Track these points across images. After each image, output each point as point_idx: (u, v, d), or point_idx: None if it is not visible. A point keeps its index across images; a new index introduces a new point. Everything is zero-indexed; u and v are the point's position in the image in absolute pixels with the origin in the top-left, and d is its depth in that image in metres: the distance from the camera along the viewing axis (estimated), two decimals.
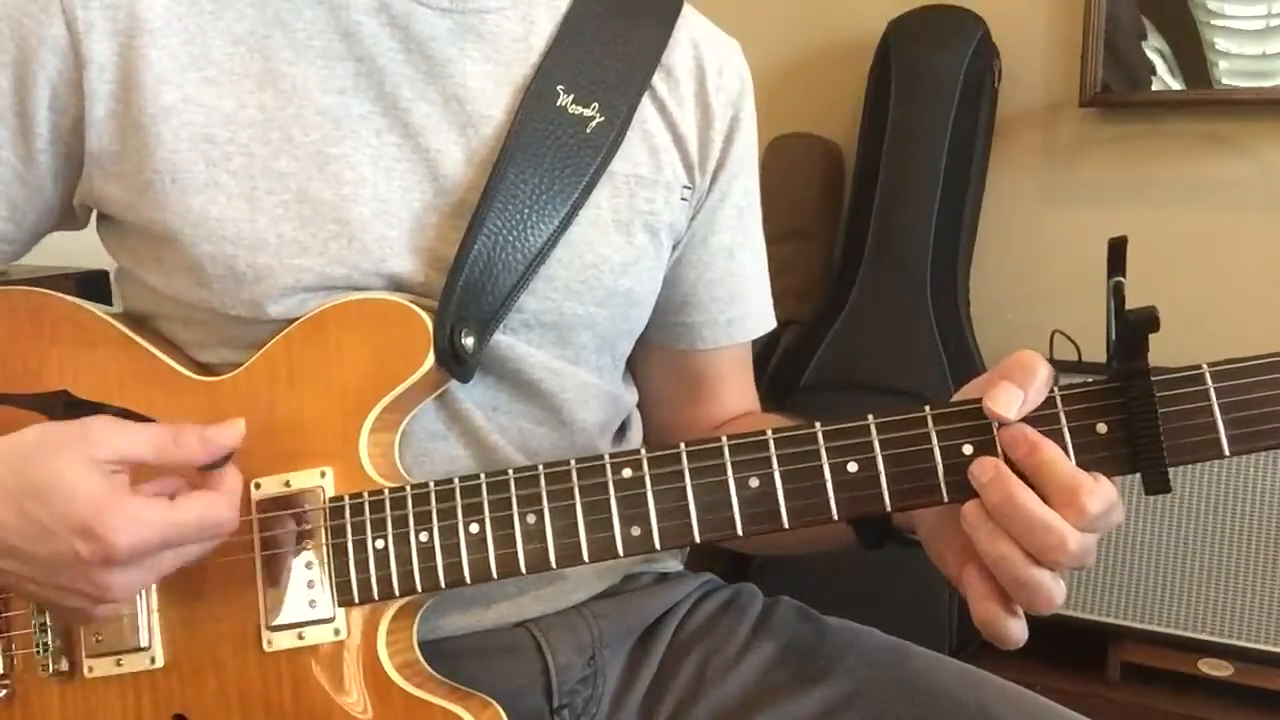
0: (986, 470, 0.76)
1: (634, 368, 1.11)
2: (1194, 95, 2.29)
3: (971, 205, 2.40)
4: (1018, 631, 0.78)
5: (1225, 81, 2.26)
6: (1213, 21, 2.24)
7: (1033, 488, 0.75)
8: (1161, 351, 0.76)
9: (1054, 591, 0.75)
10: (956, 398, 0.80)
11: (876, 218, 2.39)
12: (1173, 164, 2.37)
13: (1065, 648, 2.27)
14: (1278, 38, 2.21)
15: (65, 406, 0.89)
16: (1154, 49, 2.29)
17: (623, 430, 1.09)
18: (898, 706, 0.95)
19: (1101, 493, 0.74)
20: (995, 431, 0.77)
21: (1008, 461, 0.76)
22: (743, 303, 1.10)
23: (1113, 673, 2.25)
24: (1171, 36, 2.28)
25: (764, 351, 2.39)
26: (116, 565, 0.76)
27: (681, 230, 1.04)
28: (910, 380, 2.25)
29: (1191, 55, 2.27)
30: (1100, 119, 2.41)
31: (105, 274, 0.99)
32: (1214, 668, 2.15)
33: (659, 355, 1.11)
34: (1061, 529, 0.73)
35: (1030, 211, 2.49)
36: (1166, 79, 2.30)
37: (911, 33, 2.40)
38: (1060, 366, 2.12)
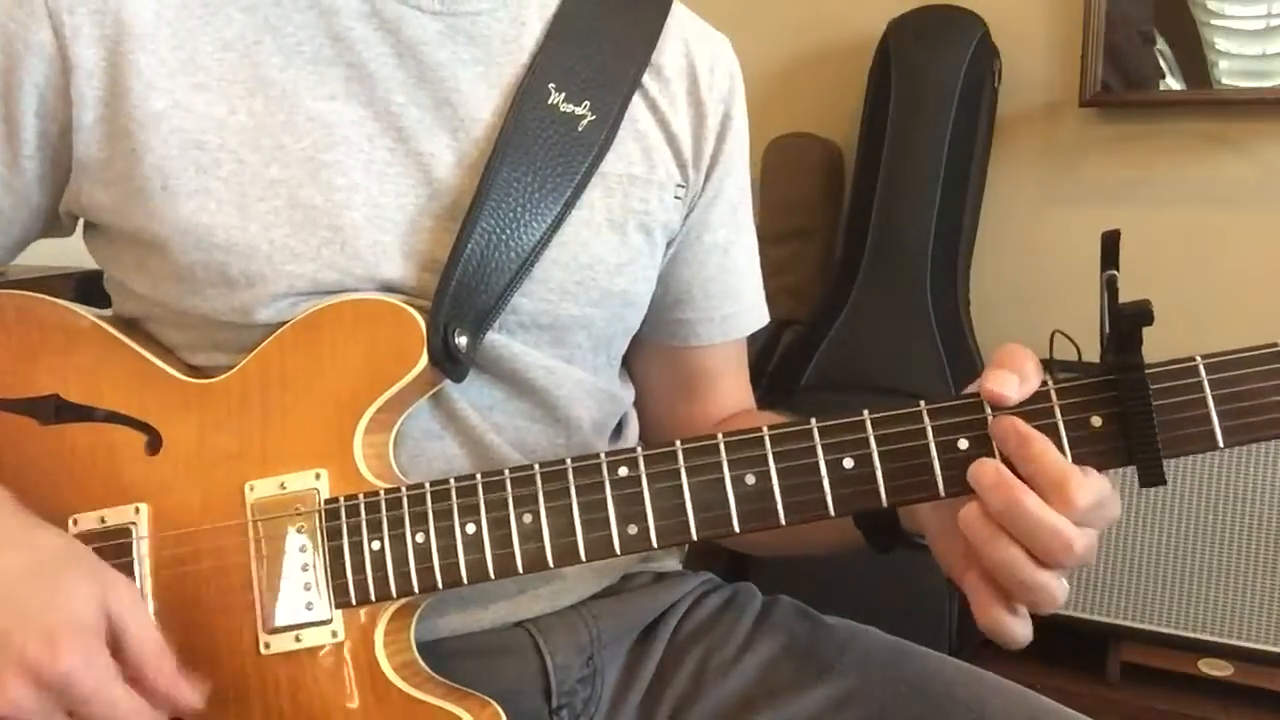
0: (988, 474, 0.76)
1: (629, 365, 1.11)
2: (1194, 95, 2.29)
3: (971, 205, 2.40)
4: (1023, 632, 0.77)
5: (1225, 81, 2.26)
6: (1213, 21, 2.24)
7: (1022, 480, 0.75)
8: (1161, 351, 0.76)
9: (1057, 591, 0.75)
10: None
11: (876, 218, 2.39)
12: (1172, 164, 2.37)
13: (1065, 648, 2.27)
14: (1278, 38, 2.21)
15: (56, 411, 0.89)
16: (1154, 49, 2.29)
17: (619, 428, 1.09)
18: (897, 705, 0.94)
19: (1091, 485, 0.74)
20: (989, 425, 0.77)
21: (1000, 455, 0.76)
22: (737, 299, 1.10)
23: (1113, 673, 2.26)
24: (1171, 36, 2.28)
25: (764, 351, 2.39)
26: (36, 683, 0.74)
27: (676, 229, 1.04)
28: (910, 380, 2.25)
29: (1191, 55, 2.27)
30: (1100, 119, 2.41)
31: (103, 275, 0.99)
32: (1214, 668, 2.15)
33: (654, 352, 1.11)
34: (1067, 532, 0.73)
35: (1030, 211, 2.49)
36: (1167, 79, 2.30)
37: (911, 33, 2.40)
38: (1060, 366, 2.12)
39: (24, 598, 0.76)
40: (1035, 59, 2.45)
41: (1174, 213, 2.35)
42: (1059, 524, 0.73)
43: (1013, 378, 0.76)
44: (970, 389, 0.79)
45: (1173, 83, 2.29)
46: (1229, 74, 2.25)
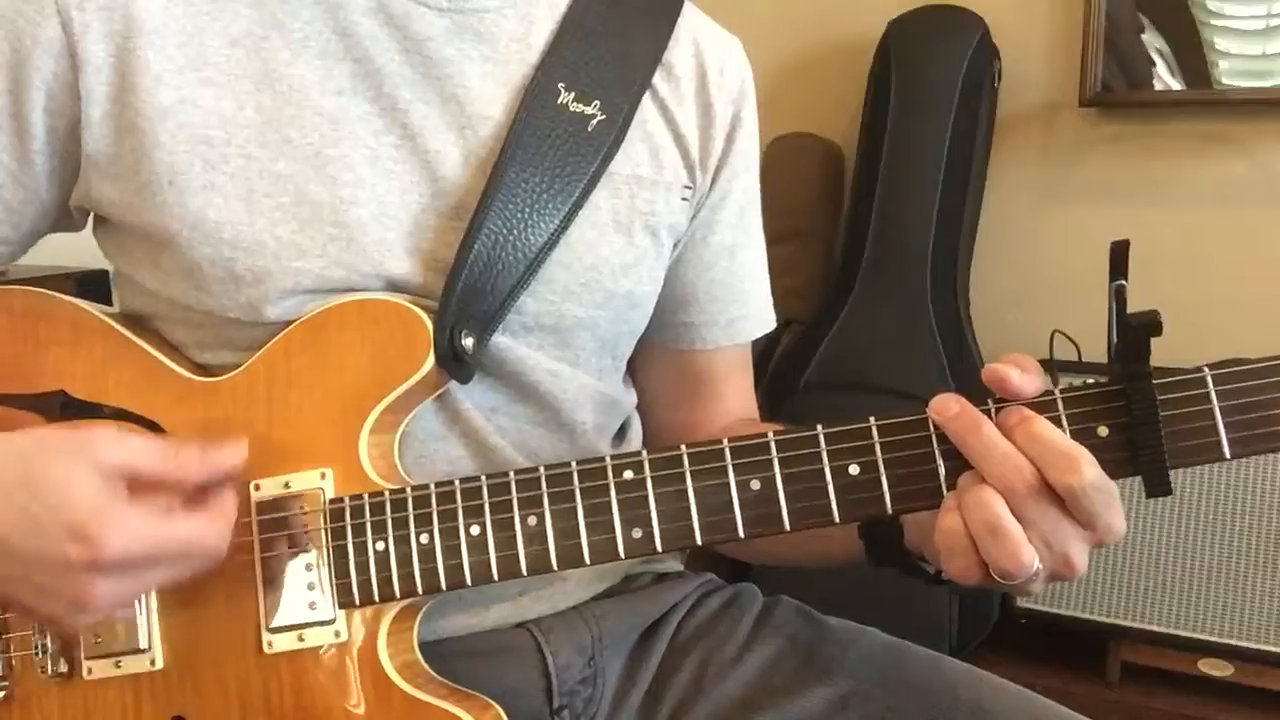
0: (950, 406, 0.77)
1: (633, 368, 1.10)
2: (1194, 95, 2.29)
3: (971, 205, 2.40)
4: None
5: (1225, 81, 2.26)
6: (1213, 21, 2.24)
7: (1032, 459, 0.74)
8: (1160, 351, 0.75)
9: (1020, 546, 0.74)
10: None
11: (876, 217, 2.39)
12: (1173, 164, 2.37)
13: (1065, 648, 2.27)
14: (1278, 38, 2.21)
15: (62, 407, 0.89)
16: (1154, 49, 2.29)
17: (622, 432, 1.09)
18: (897, 706, 0.95)
19: (1093, 459, 0.74)
20: (992, 414, 0.77)
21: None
22: (743, 303, 1.10)
23: (1113, 673, 2.26)
24: (1171, 36, 2.28)
25: (764, 352, 2.39)
26: (102, 572, 0.75)
27: (682, 230, 1.04)
28: (910, 380, 2.25)
29: (1191, 55, 2.27)
30: (1100, 119, 2.41)
31: (105, 274, 0.99)
32: (1214, 668, 2.15)
33: (659, 355, 1.10)
34: (1016, 457, 0.74)
35: (1030, 211, 2.50)
36: (1166, 79, 2.30)
37: (911, 33, 2.40)
38: (1060, 366, 2.12)
39: (27, 514, 0.76)
40: (1035, 59, 2.45)
41: (1174, 213, 2.35)
42: (1006, 447, 0.74)
43: (1014, 368, 0.76)
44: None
45: (1172, 83, 2.29)
46: (1229, 74, 2.25)
